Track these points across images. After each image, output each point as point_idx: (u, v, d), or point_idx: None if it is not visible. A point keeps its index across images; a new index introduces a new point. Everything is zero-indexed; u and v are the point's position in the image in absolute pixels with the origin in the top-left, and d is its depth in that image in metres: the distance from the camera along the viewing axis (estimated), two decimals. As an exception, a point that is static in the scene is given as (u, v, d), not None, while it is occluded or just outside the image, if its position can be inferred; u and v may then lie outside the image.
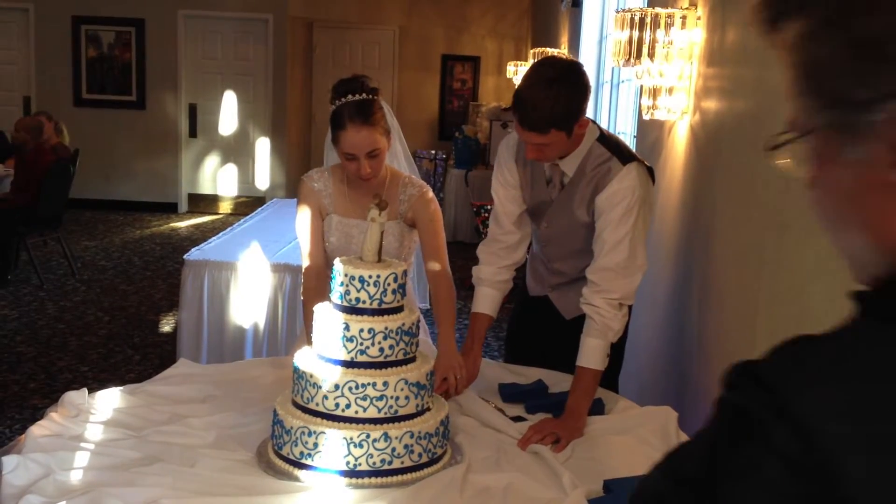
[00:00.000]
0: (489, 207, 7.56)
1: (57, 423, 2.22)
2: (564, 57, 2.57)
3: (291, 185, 10.92)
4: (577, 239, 2.64)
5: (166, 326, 6.04)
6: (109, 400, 2.39)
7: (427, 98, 11.61)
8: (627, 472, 2.11)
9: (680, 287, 2.97)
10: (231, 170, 10.98)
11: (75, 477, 1.94)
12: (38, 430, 2.17)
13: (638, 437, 2.31)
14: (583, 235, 2.61)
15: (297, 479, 2.03)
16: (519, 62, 10.21)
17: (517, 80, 10.07)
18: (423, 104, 11.51)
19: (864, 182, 0.78)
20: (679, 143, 3.05)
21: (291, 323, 4.42)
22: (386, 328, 2.08)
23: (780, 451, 0.71)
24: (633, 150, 2.65)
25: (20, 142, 7.30)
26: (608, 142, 2.57)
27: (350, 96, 2.59)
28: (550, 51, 6.90)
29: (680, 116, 3.03)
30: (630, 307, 2.54)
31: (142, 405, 2.38)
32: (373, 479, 2.03)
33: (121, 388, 2.49)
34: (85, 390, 2.38)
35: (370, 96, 2.61)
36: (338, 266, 2.14)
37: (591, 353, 2.46)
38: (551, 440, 2.27)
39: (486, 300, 2.74)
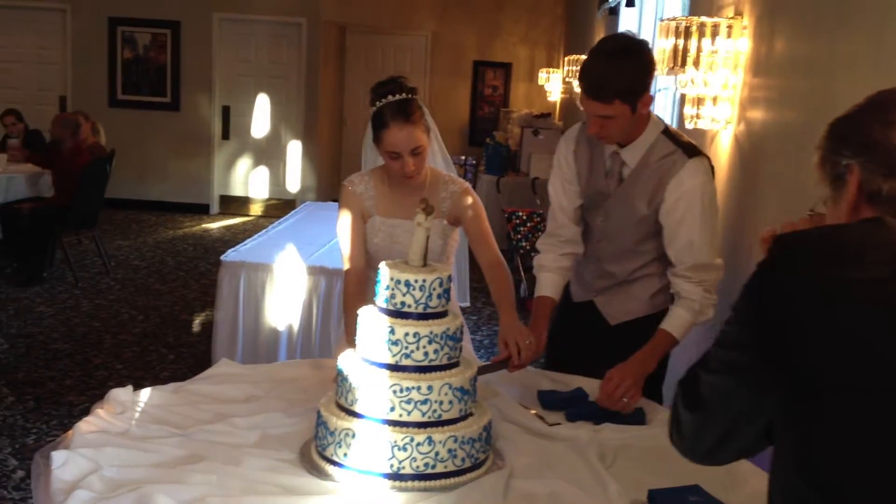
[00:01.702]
0: (520, 214, 7.59)
1: (103, 419, 2.24)
2: (631, 34, 2.59)
3: (322, 189, 10.97)
4: (631, 236, 2.65)
5: (199, 326, 6.09)
6: (154, 398, 2.41)
7: (458, 104, 11.62)
8: (672, 483, 2.10)
9: (722, 297, 2.95)
10: (262, 172, 11.05)
11: (123, 473, 1.96)
12: (85, 426, 2.19)
13: (681, 447, 2.29)
14: (638, 232, 2.62)
15: (340, 480, 2.04)
16: (551, 69, 10.21)
17: (549, 87, 10.08)
18: (453, 110, 11.52)
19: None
20: (722, 153, 3.04)
21: (325, 325, 4.44)
22: (431, 332, 2.08)
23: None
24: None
25: (57, 138, 7.38)
26: (673, 135, 2.58)
27: (390, 97, 2.63)
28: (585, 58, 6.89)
29: (724, 126, 3.02)
30: None
31: (185, 404, 2.40)
32: (416, 483, 2.03)
33: (164, 386, 2.51)
34: (130, 388, 2.40)
35: (409, 96, 2.64)
36: (383, 270, 2.14)
37: (677, 322, 2.53)
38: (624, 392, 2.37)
39: (549, 283, 2.77)
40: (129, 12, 10.51)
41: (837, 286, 1.23)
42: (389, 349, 2.07)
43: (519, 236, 7.41)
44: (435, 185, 2.78)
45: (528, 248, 7.39)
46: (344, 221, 2.79)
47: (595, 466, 2.16)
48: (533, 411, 2.52)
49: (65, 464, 1.96)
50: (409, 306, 2.10)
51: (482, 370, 2.49)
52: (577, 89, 2.58)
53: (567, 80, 7.72)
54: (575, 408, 2.56)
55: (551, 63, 11.11)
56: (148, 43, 10.62)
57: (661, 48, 2.99)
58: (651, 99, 2.50)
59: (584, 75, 2.45)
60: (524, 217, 7.44)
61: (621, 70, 2.39)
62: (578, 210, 2.76)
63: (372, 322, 2.11)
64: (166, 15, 10.49)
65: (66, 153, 7.31)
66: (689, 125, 3.16)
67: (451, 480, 2.05)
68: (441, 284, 2.12)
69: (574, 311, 2.85)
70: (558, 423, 2.46)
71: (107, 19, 10.52)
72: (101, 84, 10.64)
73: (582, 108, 2.51)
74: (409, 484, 2.02)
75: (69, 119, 7.55)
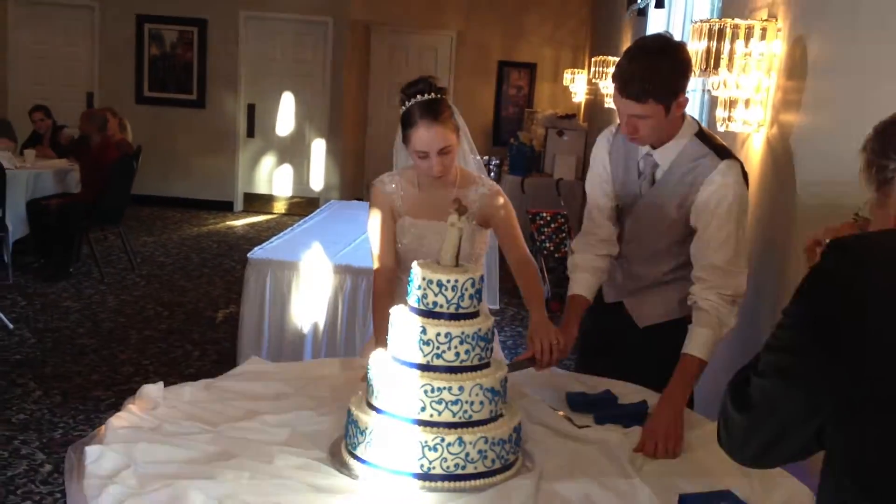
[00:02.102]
0: (544, 215, 7.57)
1: (135, 415, 2.26)
2: (668, 35, 2.57)
3: (345, 187, 11.00)
4: (661, 238, 2.62)
5: (224, 324, 6.11)
6: (184, 394, 2.42)
7: (482, 104, 11.61)
8: (703, 488, 2.09)
9: (751, 302, 2.94)
10: (286, 170, 11.09)
11: (156, 469, 1.97)
12: (117, 421, 2.21)
13: (713, 453, 2.28)
14: (668, 234, 2.59)
15: (370, 479, 2.04)
16: (576, 70, 10.18)
17: (573, 88, 10.05)
18: (478, 110, 11.51)
19: None
20: (754, 155, 3.02)
21: (350, 324, 4.45)
22: (462, 333, 2.08)
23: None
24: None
25: (86, 133, 7.44)
26: (706, 138, 2.55)
27: (419, 96, 2.63)
28: (612, 59, 6.87)
29: (756, 129, 3.00)
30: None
31: (216, 400, 2.41)
32: (446, 483, 2.03)
33: (195, 382, 2.52)
34: (161, 384, 2.42)
35: (438, 95, 2.64)
36: (416, 269, 2.14)
37: (700, 343, 2.46)
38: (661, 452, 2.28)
39: (582, 283, 2.73)
40: (157, 10, 10.58)
41: None
42: (421, 349, 2.07)
43: (543, 237, 7.39)
44: (465, 186, 2.77)
45: (551, 248, 7.37)
46: (374, 221, 2.80)
47: (626, 470, 2.15)
48: (561, 413, 2.51)
49: (98, 459, 1.98)
50: (441, 306, 2.10)
51: (509, 367, 2.48)
52: (610, 89, 2.54)
53: (593, 80, 7.69)
54: (604, 410, 2.55)
55: (576, 64, 11.08)
56: (175, 40, 10.69)
57: (694, 50, 2.97)
58: (686, 101, 2.47)
59: (619, 74, 2.43)
60: (548, 218, 7.42)
61: (657, 69, 2.37)
62: (615, 209, 2.74)
63: (403, 322, 2.11)
64: (193, 13, 10.55)
65: (93, 149, 7.37)
66: (720, 127, 3.14)
67: (482, 482, 2.05)
68: (473, 285, 2.12)
69: (605, 312, 2.81)
70: (587, 426, 2.45)
71: (134, 16, 10.59)
72: (128, 81, 10.71)
73: (616, 108, 2.50)
74: (440, 484, 2.02)
75: (96, 115, 7.61)
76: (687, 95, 2.46)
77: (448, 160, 2.68)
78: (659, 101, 2.39)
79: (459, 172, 2.80)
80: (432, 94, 2.66)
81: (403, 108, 2.70)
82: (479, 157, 3.20)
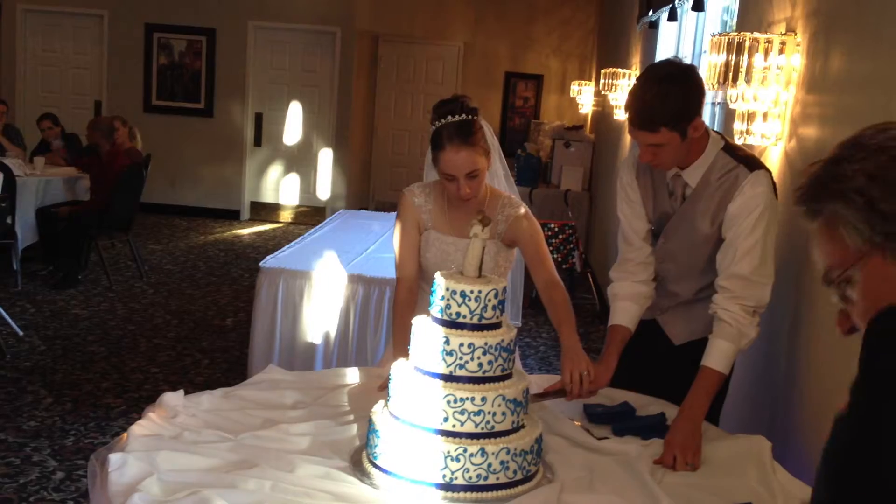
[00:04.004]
0: (552, 226, 7.57)
1: (156, 423, 2.26)
2: (678, 60, 2.56)
3: (352, 197, 11.02)
4: (695, 255, 2.61)
5: (233, 332, 6.11)
6: (203, 402, 2.42)
7: (489, 114, 11.60)
8: (724, 500, 2.09)
9: (770, 317, 2.93)
10: (293, 179, 11.11)
11: (179, 477, 1.97)
12: (138, 429, 2.21)
13: (732, 465, 2.28)
14: (703, 251, 2.57)
15: (392, 489, 2.04)
16: (583, 82, 10.20)
17: (580, 100, 10.07)
18: (485, 120, 11.51)
19: None
20: (772, 169, 3.01)
21: (362, 333, 4.45)
22: (485, 343, 2.08)
23: None
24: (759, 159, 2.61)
25: (95, 142, 7.46)
26: (734, 151, 2.54)
27: (450, 117, 2.62)
28: (622, 71, 6.88)
29: (774, 142, 3.00)
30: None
31: (235, 409, 2.41)
32: (468, 494, 2.03)
33: (213, 391, 2.52)
34: (181, 392, 2.42)
35: (470, 117, 2.63)
36: (439, 280, 2.15)
37: (720, 356, 2.45)
38: (681, 466, 2.27)
39: (623, 312, 2.69)
40: (166, 19, 10.61)
41: None
42: (444, 359, 2.08)
43: (550, 248, 7.38)
44: (493, 206, 2.76)
45: (559, 260, 7.38)
46: (400, 230, 2.80)
47: (647, 481, 2.15)
48: (578, 424, 2.51)
49: (122, 467, 1.98)
50: (465, 317, 2.10)
51: (536, 397, 2.48)
52: (620, 101, 2.54)
53: (602, 92, 7.70)
54: (622, 422, 2.55)
55: (583, 75, 11.11)
56: (183, 49, 10.72)
57: (713, 63, 2.98)
58: (702, 124, 2.45)
59: (631, 104, 2.43)
60: (556, 229, 7.43)
61: (665, 98, 2.36)
62: (650, 231, 2.71)
63: (426, 332, 2.12)
64: (202, 22, 10.58)
65: (103, 157, 7.39)
66: (738, 140, 3.14)
67: (504, 492, 2.05)
68: (496, 296, 2.12)
69: (639, 330, 2.75)
70: (606, 437, 2.45)
71: (143, 25, 10.63)
72: (137, 89, 10.74)
73: (631, 138, 2.50)
74: (462, 495, 2.02)
75: (103, 123, 7.63)
76: (703, 118, 2.44)
77: (476, 183, 2.66)
78: (672, 128, 2.38)
79: (489, 191, 2.79)
80: (463, 115, 2.64)
81: (434, 127, 2.68)
82: (511, 175, 3.19)
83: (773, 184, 2.49)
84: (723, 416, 2.77)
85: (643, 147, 2.46)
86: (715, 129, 4.04)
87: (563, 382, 2.50)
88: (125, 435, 2.18)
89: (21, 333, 5.68)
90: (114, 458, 2.00)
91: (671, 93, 2.37)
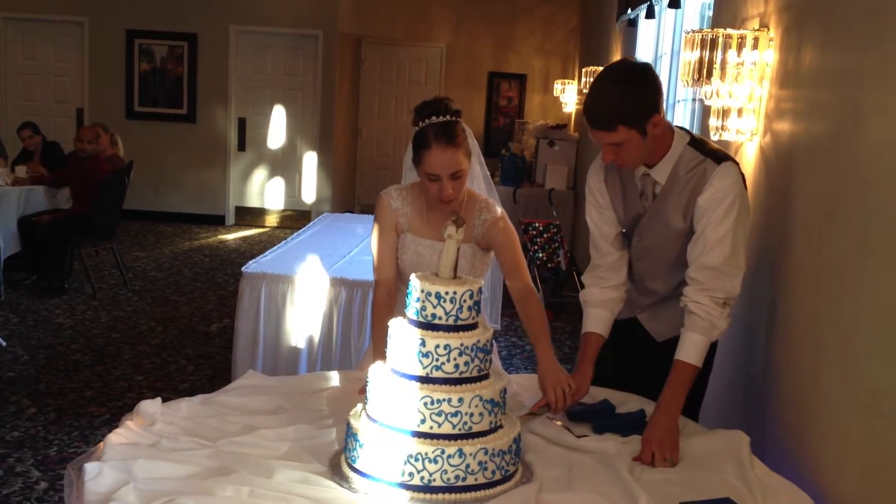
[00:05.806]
0: (537, 225, 7.58)
1: (133, 431, 2.25)
2: (633, 59, 2.57)
3: (337, 200, 11.01)
4: (670, 251, 2.61)
5: (217, 337, 6.10)
6: (182, 409, 2.41)
7: (473, 115, 11.63)
8: (702, 496, 2.09)
9: (746, 310, 2.95)
10: (278, 183, 11.09)
11: (155, 485, 1.96)
12: (115, 437, 2.20)
13: (711, 461, 2.29)
14: (677, 247, 2.58)
15: (371, 492, 2.04)
16: (566, 80, 10.21)
17: (564, 99, 10.08)
18: (468, 121, 11.19)
19: None
20: (748, 164, 3.03)
21: (346, 336, 4.45)
22: (462, 344, 2.08)
23: None
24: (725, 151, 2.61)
25: (85, 153, 7.39)
26: (700, 145, 2.55)
27: (434, 118, 2.62)
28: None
29: (749, 138, 3.01)
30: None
31: (214, 415, 2.41)
32: (447, 496, 2.02)
33: (192, 398, 2.51)
34: (159, 399, 2.41)
35: (453, 118, 2.63)
36: (414, 282, 2.15)
37: (692, 348, 2.45)
38: (659, 462, 2.28)
39: (595, 319, 2.69)
40: (147, 25, 10.58)
41: None
42: (420, 361, 2.07)
43: (535, 247, 7.41)
44: (471, 209, 2.76)
45: (544, 259, 7.39)
46: (377, 233, 2.79)
47: (625, 479, 2.15)
48: (559, 423, 2.51)
49: (98, 476, 1.97)
50: (440, 318, 2.10)
51: (525, 417, 2.49)
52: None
53: (584, 90, 7.72)
54: (602, 420, 2.55)
55: (566, 74, 11.12)
56: (165, 55, 10.69)
57: (687, 60, 2.99)
58: (661, 119, 2.45)
59: (587, 106, 2.44)
60: (541, 228, 7.44)
61: (620, 96, 2.37)
62: (620, 235, 2.71)
63: (402, 334, 2.11)
64: (183, 27, 10.55)
65: (86, 164, 7.35)
66: (714, 136, 3.15)
67: (482, 493, 2.05)
68: (472, 297, 2.12)
69: (619, 329, 2.75)
70: (585, 435, 2.45)
71: (124, 31, 10.60)
72: (118, 96, 10.71)
73: (594, 140, 2.50)
74: (440, 497, 2.02)
75: (90, 133, 7.58)
76: (662, 114, 2.44)
77: (459, 184, 2.66)
78: (630, 126, 2.39)
79: (467, 195, 2.80)
80: (448, 116, 2.64)
81: (417, 127, 2.68)
82: (491, 179, 3.19)
83: (742, 175, 2.50)
84: (702, 411, 2.78)
85: (604, 147, 2.46)
86: (691, 126, 4.06)
87: (547, 400, 2.51)
88: (101, 444, 2.17)
89: (4, 344, 5.64)
90: (89, 467, 1.99)
91: (625, 91, 2.38)
